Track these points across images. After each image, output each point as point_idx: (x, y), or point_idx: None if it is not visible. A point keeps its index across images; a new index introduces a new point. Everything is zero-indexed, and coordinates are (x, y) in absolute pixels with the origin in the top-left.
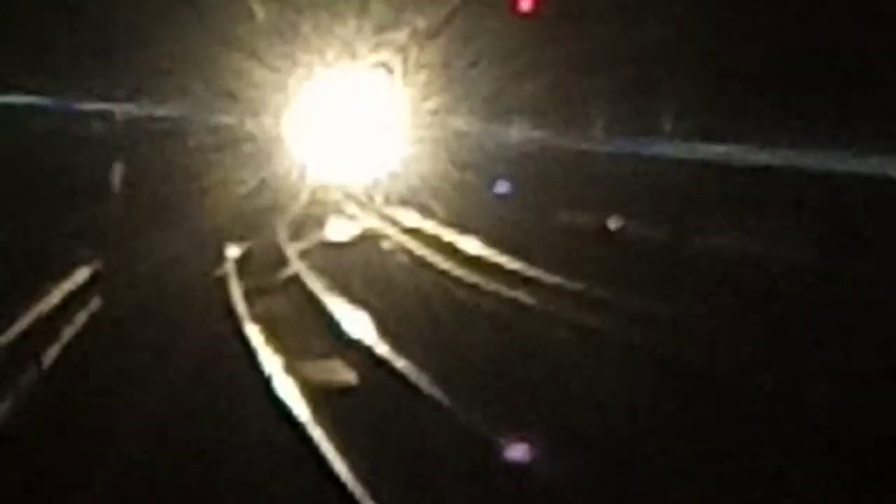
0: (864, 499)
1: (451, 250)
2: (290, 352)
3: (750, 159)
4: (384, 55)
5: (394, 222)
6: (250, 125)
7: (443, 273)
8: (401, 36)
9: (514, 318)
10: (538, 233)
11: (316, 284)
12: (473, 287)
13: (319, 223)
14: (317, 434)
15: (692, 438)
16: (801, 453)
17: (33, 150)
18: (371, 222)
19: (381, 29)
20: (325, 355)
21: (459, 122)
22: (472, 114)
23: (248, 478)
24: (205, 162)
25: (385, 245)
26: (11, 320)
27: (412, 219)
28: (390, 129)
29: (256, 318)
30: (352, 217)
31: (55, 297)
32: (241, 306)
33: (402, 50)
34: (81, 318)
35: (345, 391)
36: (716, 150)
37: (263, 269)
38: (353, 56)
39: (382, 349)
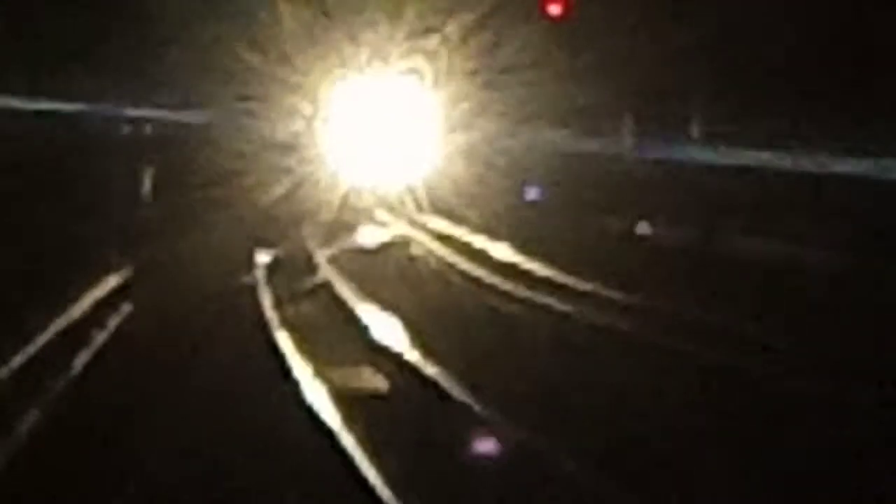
0: None
1: (481, 257)
2: (319, 358)
3: (776, 164)
4: (416, 61)
5: (424, 228)
6: (281, 131)
7: (473, 280)
8: (432, 42)
9: (546, 325)
10: (568, 238)
11: (346, 291)
12: (504, 294)
13: (350, 229)
14: (348, 441)
15: (725, 442)
16: (838, 458)
17: (65, 157)
18: (401, 228)
19: (412, 35)
20: (356, 362)
21: (489, 128)
22: (502, 119)
23: (280, 485)
24: (236, 168)
25: (415, 251)
26: (43, 326)
27: (442, 225)
28: (421, 135)
29: (286, 325)
30: (382, 223)
31: (86, 302)
32: (270, 312)
33: (433, 56)
34: (112, 323)
35: (375, 398)
36: (744, 155)
37: (293, 276)
38: (386, 62)
39: (413, 356)
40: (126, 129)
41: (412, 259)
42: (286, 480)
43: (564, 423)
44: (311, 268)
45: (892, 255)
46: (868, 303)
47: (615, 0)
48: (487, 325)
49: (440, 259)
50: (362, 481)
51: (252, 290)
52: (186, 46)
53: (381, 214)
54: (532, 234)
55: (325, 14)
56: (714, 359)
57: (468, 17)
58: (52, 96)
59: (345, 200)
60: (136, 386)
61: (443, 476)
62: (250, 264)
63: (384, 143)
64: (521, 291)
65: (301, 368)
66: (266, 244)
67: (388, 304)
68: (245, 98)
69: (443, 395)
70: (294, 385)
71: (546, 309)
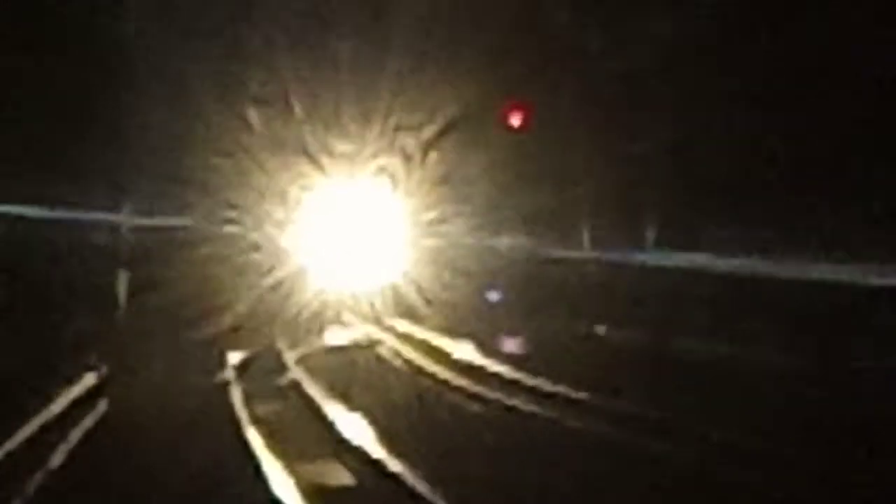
0: None
1: (445, 358)
2: (289, 454)
3: (724, 267)
4: (387, 165)
5: (390, 330)
6: (254, 235)
7: (439, 381)
8: (394, 157)
9: (507, 423)
10: (529, 339)
11: (314, 389)
12: (465, 391)
13: (319, 330)
14: None
15: None
16: None
17: (40, 261)
18: (368, 329)
19: (379, 145)
20: (323, 457)
21: (454, 233)
22: (467, 224)
23: None
24: (208, 271)
25: (381, 351)
26: (20, 424)
27: (407, 326)
28: (390, 239)
29: (257, 422)
30: (349, 324)
31: (63, 401)
32: (241, 411)
33: (403, 161)
34: (89, 422)
35: (342, 491)
36: (696, 260)
37: (263, 375)
38: (354, 170)
39: (378, 452)
40: (103, 236)
41: (378, 359)
42: None
43: None
44: (281, 367)
45: (834, 355)
46: (802, 399)
47: (573, 111)
48: (451, 423)
49: (406, 360)
50: None
51: (224, 388)
52: (161, 154)
53: (348, 316)
54: (493, 336)
55: (295, 121)
56: (661, 451)
57: (431, 130)
58: (29, 201)
59: (314, 302)
60: (111, 483)
61: None
62: (222, 363)
63: (354, 246)
64: (485, 392)
65: (270, 463)
66: (237, 345)
67: (354, 403)
68: (220, 204)
69: (407, 490)
70: (263, 481)
71: (507, 408)
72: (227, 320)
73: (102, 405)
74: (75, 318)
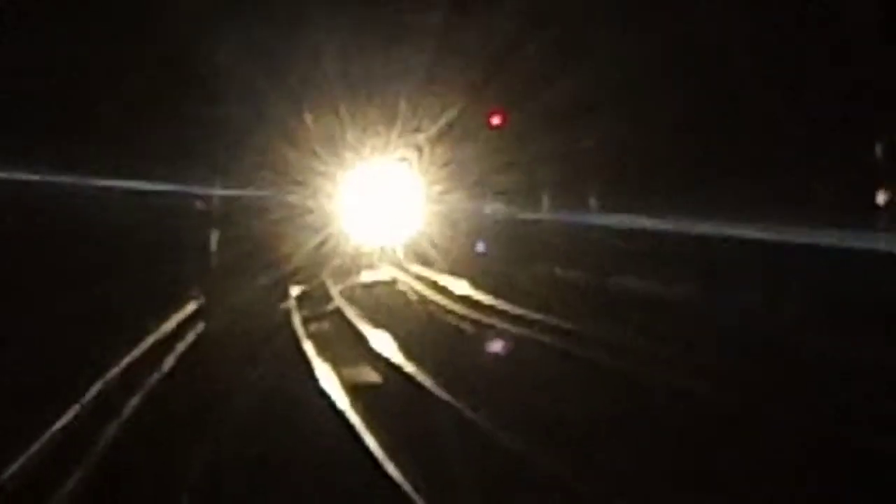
0: None
1: (447, 291)
2: (333, 360)
3: (650, 226)
4: (405, 155)
5: (407, 271)
6: (310, 203)
7: (441, 307)
8: (410, 149)
9: (491, 337)
10: (504, 279)
11: (352, 313)
12: (462, 316)
13: (356, 272)
14: (354, 419)
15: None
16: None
17: (155, 222)
18: (391, 271)
19: (400, 141)
20: (358, 362)
21: (454, 201)
22: (463, 195)
23: (308, 442)
24: (277, 229)
25: (400, 287)
26: (143, 339)
27: (419, 269)
28: (408, 206)
29: (310, 337)
30: (378, 267)
31: (172, 323)
32: (299, 329)
33: (417, 151)
34: (191, 337)
35: (372, 388)
36: (626, 220)
37: (316, 303)
38: (382, 158)
39: (398, 358)
40: (199, 204)
41: (399, 293)
42: (310, 439)
43: (507, 399)
44: (328, 298)
45: (723, 287)
46: (712, 323)
47: (538, 115)
48: (451, 337)
49: (418, 292)
50: (363, 446)
51: (288, 313)
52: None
53: (377, 262)
54: (481, 276)
55: (341, 120)
56: (612, 364)
57: (435, 130)
58: (141, 177)
59: (352, 252)
60: (208, 381)
61: (422, 443)
62: (286, 295)
63: (380, 211)
64: (475, 315)
65: (320, 366)
66: (297, 282)
67: (381, 323)
68: (286, 180)
69: (420, 387)
70: (315, 379)
71: (491, 328)
72: (290, 264)
73: (200, 325)
74: (180, 264)
